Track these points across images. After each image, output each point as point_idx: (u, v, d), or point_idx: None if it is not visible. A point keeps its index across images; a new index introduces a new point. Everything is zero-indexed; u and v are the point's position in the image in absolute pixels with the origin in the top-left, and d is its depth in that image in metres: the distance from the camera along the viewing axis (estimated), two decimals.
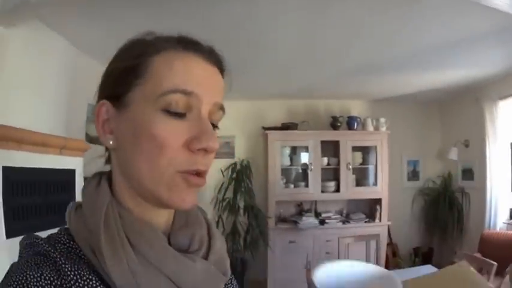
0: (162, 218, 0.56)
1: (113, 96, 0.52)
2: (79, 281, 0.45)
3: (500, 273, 3.04)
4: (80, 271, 0.46)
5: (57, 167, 2.45)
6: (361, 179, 5.04)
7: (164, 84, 0.49)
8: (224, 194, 4.67)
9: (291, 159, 4.97)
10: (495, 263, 2.77)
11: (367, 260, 3.75)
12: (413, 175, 5.50)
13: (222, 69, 0.56)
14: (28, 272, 0.44)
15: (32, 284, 0.43)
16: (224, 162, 4.98)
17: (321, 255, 4.48)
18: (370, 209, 5.03)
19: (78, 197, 0.77)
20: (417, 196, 5.43)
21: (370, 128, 4.89)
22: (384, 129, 4.88)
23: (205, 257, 0.55)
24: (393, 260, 4.89)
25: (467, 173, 5.02)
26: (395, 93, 5.00)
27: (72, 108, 3.00)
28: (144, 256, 0.48)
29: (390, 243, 4.95)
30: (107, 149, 0.57)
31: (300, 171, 5.04)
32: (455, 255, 4.76)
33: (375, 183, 4.89)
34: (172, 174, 0.49)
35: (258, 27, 2.87)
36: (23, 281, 0.44)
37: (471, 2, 2.16)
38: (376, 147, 4.88)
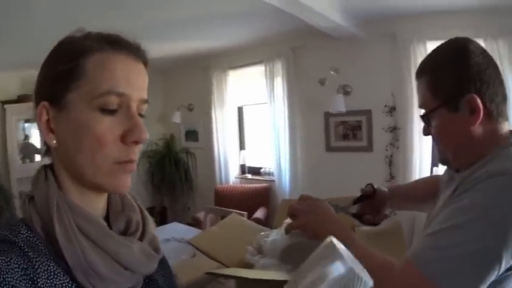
0: (100, 203, 0.63)
1: (51, 98, 0.55)
2: (41, 266, 0.51)
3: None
4: (40, 257, 0.52)
5: None
6: None
7: (99, 87, 0.54)
8: None
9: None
10: (245, 212, 3.10)
11: None
12: None
13: (146, 63, 0.63)
14: None
15: (2, 268, 0.47)
16: None
17: None
18: None
19: None
20: (141, 159, 5.46)
21: None
22: None
23: (141, 239, 0.63)
24: None
25: (192, 135, 5.48)
26: None
27: None
28: (92, 240, 0.54)
29: None
30: (45, 143, 0.60)
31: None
32: (190, 210, 5.27)
33: None
34: (110, 165, 0.56)
35: None
36: None
37: None
38: None
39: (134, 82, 0.58)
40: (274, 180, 4.45)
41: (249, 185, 4.64)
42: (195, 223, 4.14)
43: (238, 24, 3.60)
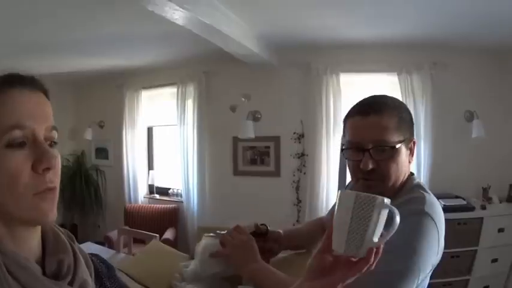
0: (33, 243, 0.61)
1: None
2: None
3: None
4: None
5: None
6: None
7: (1, 125, 0.54)
8: None
9: None
10: (157, 235, 3.12)
11: None
12: None
13: (46, 92, 0.63)
14: None
15: None
16: None
17: None
18: None
19: None
20: None
21: None
22: None
23: (71, 283, 0.61)
24: None
25: (102, 152, 5.32)
26: (41, 72, 4.39)
27: None
28: (22, 284, 0.53)
29: None
30: None
31: None
32: (99, 228, 5.09)
33: None
34: (31, 197, 0.55)
35: None
36: None
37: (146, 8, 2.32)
38: None
39: (35, 112, 0.58)
40: (182, 202, 4.48)
41: (157, 206, 4.62)
42: (107, 242, 4.05)
43: (154, 45, 3.62)
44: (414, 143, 1.05)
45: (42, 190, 0.57)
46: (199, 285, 1.22)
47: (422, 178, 3.40)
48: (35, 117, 0.57)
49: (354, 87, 3.58)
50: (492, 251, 3.10)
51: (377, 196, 0.63)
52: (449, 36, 3.09)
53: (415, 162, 3.41)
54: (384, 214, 0.63)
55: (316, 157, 3.67)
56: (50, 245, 0.64)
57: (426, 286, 1.00)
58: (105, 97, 5.18)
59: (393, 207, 0.63)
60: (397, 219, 0.63)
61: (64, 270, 0.61)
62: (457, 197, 3.23)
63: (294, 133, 3.85)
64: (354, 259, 0.65)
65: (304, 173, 3.83)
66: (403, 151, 1.00)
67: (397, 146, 0.98)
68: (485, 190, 3.34)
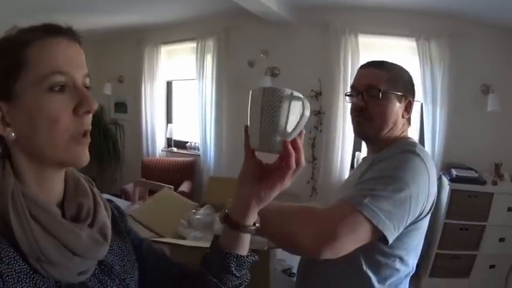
0: (58, 187, 0.65)
1: (0, 95, 0.58)
2: (1, 252, 0.55)
3: None
4: (1, 244, 0.55)
5: None
6: None
7: (43, 70, 0.57)
8: None
9: None
10: (172, 186, 3.08)
11: None
12: None
13: (80, 42, 0.66)
14: None
15: None
16: None
17: None
18: None
19: None
20: None
21: None
22: None
23: (91, 225, 0.65)
24: None
25: (121, 107, 5.41)
26: None
27: None
28: (43, 227, 0.57)
29: None
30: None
31: None
32: (117, 182, 5.23)
33: None
34: (67, 140, 0.59)
35: None
36: None
37: None
38: None
39: (74, 60, 0.62)
40: (199, 155, 4.59)
41: (175, 159, 4.72)
42: (123, 195, 4.14)
43: (173, 0, 3.61)
44: (410, 103, 1.17)
45: (80, 133, 0.61)
46: (207, 233, 1.28)
47: (436, 145, 3.43)
48: (74, 65, 0.62)
49: (372, 50, 3.56)
50: (501, 229, 3.08)
51: (285, 88, 0.64)
52: (470, 7, 3.02)
53: (430, 128, 3.44)
54: (296, 106, 0.64)
55: (332, 115, 3.70)
56: (70, 189, 0.67)
57: (421, 239, 1.11)
58: (124, 53, 5.22)
59: (302, 97, 0.66)
60: (307, 109, 0.66)
61: (84, 213, 0.65)
62: (469, 168, 3.20)
63: (312, 91, 3.86)
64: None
65: (321, 131, 3.87)
66: (394, 101, 1.13)
67: (386, 91, 1.11)
68: (497, 166, 3.29)
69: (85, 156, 0.62)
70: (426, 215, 1.05)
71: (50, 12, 3.57)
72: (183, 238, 1.28)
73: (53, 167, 0.63)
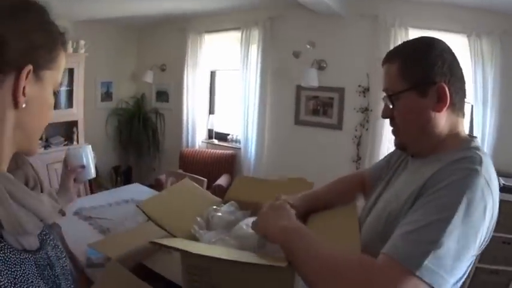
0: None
1: (36, 66, 0.60)
2: None
3: (209, 187, 3.56)
4: None
5: None
6: (55, 102, 4.42)
7: (59, 78, 0.68)
8: None
9: None
10: (205, 179, 3.11)
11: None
12: (107, 96, 5.34)
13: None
14: None
15: None
16: None
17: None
18: (67, 132, 4.68)
19: None
20: (110, 116, 5.37)
21: (70, 50, 4.31)
22: (82, 51, 4.48)
23: (41, 191, 0.68)
24: (95, 180, 4.77)
25: (162, 95, 5.39)
26: (99, 16, 4.58)
27: None
28: (19, 201, 0.57)
29: None
30: None
31: None
32: (155, 171, 5.23)
33: (70, 106, 4.52)
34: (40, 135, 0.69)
35: None
36: None
37: None
38: (73, 69, 4.45)
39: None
40: (240, 148, 4.47)
41: (214, 151, 4.63)
42: (158, 185, 4.12)
43: None
44: (443, 88, 0.88)
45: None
46: (225, 235, 1.08)
47: (485, 148, 3.08)
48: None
49: None
50: None
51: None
52: None
53: (480, 130, 3.13)
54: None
55: (380, 113, 3.44)
56: (11, 161, 0.66)
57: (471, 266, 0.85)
58: (167, 40, 5.17)
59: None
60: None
61: (31, 182, 0.67)
62: None
63: (359, 86, 3.64)
64: None
65: (367, 129, 3.64)
66: (413, 99, 0.91)
67: (400, 93, 0.92)
68: None
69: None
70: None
71: None
72: (196, 240, 1.08)
73: (24, 150, 0.67)
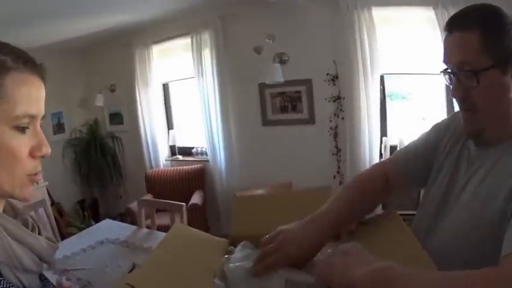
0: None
1: None
2: None
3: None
4: None
5: None
6: None
7: (16, 108, 0.57)
8: None
9: None
10: (183, 203, 2.78)
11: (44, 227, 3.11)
12: (59, 128, 4.96)
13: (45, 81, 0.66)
14: None
15: None
16: None
17: None
18: None
19: None
20: (66, 149, 5.00)
21: None
22: None
23: (40, 234, 0.68)
24: (62, 220, 4.37)
25: (116, 118, 5.06)
26: (38, 44, 4.14)
27: None
28: (15, 237, 0.59)
29: (53, 204, 4.34)
30: None
31: None
32: (122, 199, 4.89)
33: None
34: (23, 178, 0.61)
35: None
36: None
37: None
38: None
39: (41, 103, 0.63)
40: (208, 160, 4.21)
41: (181, 167, 4.33)
42: (129, 215, 3.84)
43: None
44: None
45: (33, 173, 0.63)
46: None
47: None
48: (40, 107, 0.63)
49: (389, 24, 3.17)
50: None
51: None
52: None
53: None
54: None
55: (354, 100, 3.27)
56: (8, 210, 0.67)
57: None
58: (113, 59, 4.83)
59: None
60: None
61: (30, 225, 0.67)
62: None
63: (327, 74, 3.45)
64: None
65: (342, 118, 3.46)
66: (497, 77, 0.79)
67: (485, 70, 0.78)
68: None
69: (32, 194, 0.65)
70: None
71: (27, 18, 3.24)
72: None
73: (5, 197, 0.64)
